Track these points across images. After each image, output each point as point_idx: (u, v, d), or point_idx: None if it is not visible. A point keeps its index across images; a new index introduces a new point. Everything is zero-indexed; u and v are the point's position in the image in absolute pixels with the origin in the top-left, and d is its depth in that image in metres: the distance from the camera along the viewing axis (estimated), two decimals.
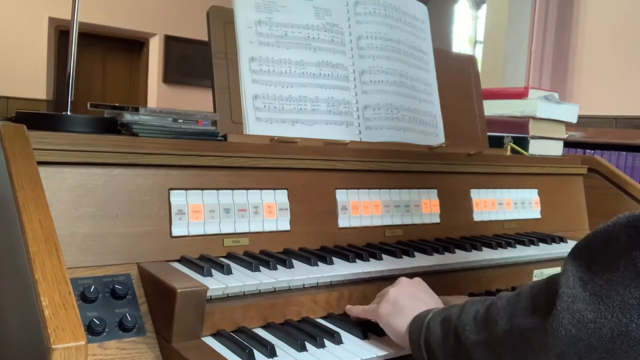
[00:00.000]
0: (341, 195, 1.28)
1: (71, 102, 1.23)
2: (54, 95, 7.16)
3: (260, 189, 1.17)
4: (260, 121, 1.29)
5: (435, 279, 1.19)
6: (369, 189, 1.33)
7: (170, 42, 7.88)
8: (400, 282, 1.02)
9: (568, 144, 3.22)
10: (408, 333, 0.91)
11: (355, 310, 1.04)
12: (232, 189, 1.14)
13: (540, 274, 1.43)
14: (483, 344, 0.78)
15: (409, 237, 1.37)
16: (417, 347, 0.89)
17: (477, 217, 1.54)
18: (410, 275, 1.18)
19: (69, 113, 1.18)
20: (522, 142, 1.83)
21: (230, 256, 1.09)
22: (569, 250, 0.72)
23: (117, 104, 1.15)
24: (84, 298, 0.89)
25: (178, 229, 1.06)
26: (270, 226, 1.17)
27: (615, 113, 4.60)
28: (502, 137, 1.80)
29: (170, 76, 7.96)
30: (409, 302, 0.95)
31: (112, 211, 0.99)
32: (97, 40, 7.39)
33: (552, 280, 0.72)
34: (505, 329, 0.75)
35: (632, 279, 0.62)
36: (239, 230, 1.13)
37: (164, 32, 7.82)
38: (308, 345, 0.91)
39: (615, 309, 0.62)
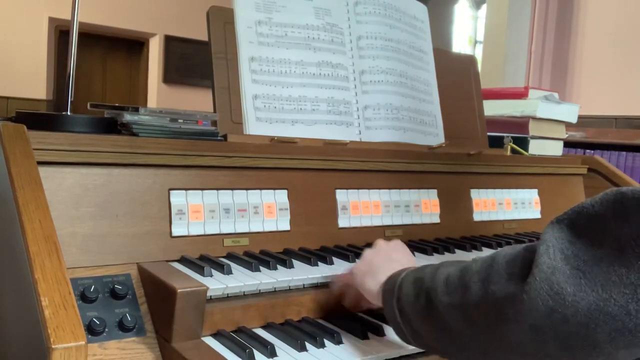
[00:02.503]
0: (341, 195, 1.28)
1: (71, 102, 1.23)
2: (54, 95, 7.16)
3: (260, 189, 1.17)
4: (260, 121, 1.29)
5: None
6: (369, 189, 1.33)
7: (170, 42, 7.88)
8: (377, 244, 1.02)
9: (568, 144, 3.22)
10: (382, 293, 0.90)
11: (337, 282, 1.03)
12: (232, 189, 1.14)
13: None
14: (455, 308, 0.76)
15: (409, 237, 1.37)
16: (390, 308, 0.87)
17: (477, 217, 1.54)
18: None
19: (69, 113, 1.18)
20: (522, 142, 1.83)
21: (230, 256, 1.09)
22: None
23: (117, 104, 1.15)
24: (84, 298, 0.89)
25: (178, 229, 1.06)
26: (270, 226, 1.17)
27: (615, 113, 4.60)
28: (502, 137, 1.80)
29: (170, 76, 7.96)
30: (384, 262, 0.95)
31: (112, 211, 0.99)
32: (97, 40, 7.38)
33: (530, 248, 0.70)
34: (479, 294, 0.73)
35: (616, 256, 0.61)
36: (239, 230, 1.13)
37: (164, 32, 7.81)
38: (308, 345, 0.91)
39: (597, 285, 0.62)
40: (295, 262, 1.09)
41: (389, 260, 0.96)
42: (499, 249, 0.79)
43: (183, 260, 1.04)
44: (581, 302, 0.62)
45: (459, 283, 0.77)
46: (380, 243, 1.02)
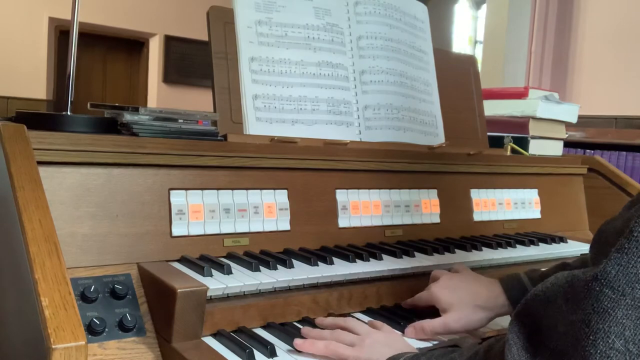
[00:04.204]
0: (341, 195, 1.28)
1: (71, 102, 1.23)
2: (54, 95, 7.16)
3: (260, 189, 1.17)
4: (260, 121, 1.29)
5: None
6: (369, 189, 1.33)
7: (170, 42, 7.88)
8: (371, 332, 0.94)
9: (568, 144, 3.22)
10: None
11: (317, 347, 0.89)
12: (232, 189, 1.14)
13: None
14: None
15: (409, 237, 1.37)
16: None
17: (477, 217, 1.54)
18: (410, 275, 1.19)
19: (69, 113, 1.18)
20: (522, 142, 1.83)
21: (231, 256, 1.09)
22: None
23: (117, 104, 1.15)
24: (84, 298, 0.89)
25: (178, 229, 1.06)
26: (270, 226, 1.17)
27: (615, 113, 4.60)
28: (502, 137, 1.80)
29: (170, 76, 7.96)
30: (381, 349, 0.89)
31: (112, 211, 0.99)
32: (97, 40, 7.38)
33: (502, 343, 0.66)
34: None
35: (574, 346, 0.57)
36: (239, 230, 1.13)
37: (164, 32, 7.81)
38: None
39: None
40: (295, 262, 1.09)
41: (386, 346, 0.89)
42: (483, 342, 0.75)
43: (183, 260, 1.04)
44: None
45: None
46: (381, 332, 0.94)
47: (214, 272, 0.98)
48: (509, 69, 5.33)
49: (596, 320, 0.55)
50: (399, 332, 1.00)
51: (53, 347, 0.66)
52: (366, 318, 1.08)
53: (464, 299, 1.05)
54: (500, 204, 1.61)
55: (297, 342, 0.90)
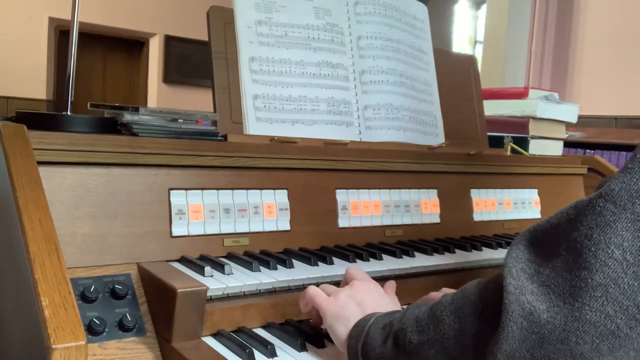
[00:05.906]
0: (341, 195, 1.28)
1: (71, 102, 1.23)
2: (54, 95, 7.16)
3: (260, 189, 1.17)
4: (260, 121, 1.29)
5: (435, 279, 1.19)
6: (369, 189, 1.33)
7: (170, 42, 7.88)
8: (354, 285, 0.92)
9: (568, 144, 3.22)
10: (348, 338, 0.83)
11: (306, 301, 0.93)
12: (232, 189, 1.14)
13: None
14: (428, 344, 0.71)
15: (409, 237, 1.37)
16: (354, 354, 0.81)
17: (477, 217, 1.54)
18: (411, 275, 1.19)
19: (69, 113, 1.18)
20: (522, 142, 1.83)
21: (230, 256, 1.10)
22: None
23: (117, 104, 1.15)
24: (84, 298, 0.89)
25: (178, 229, 1.06)
26: (270, 226, 1.17)
27: (615, 113, 4.60)
28: (502, 137, 1.80)
29: (170, 76, 7.96)
30: (358, 308, 0.87)
31: (112, 211, 0.99)
32: (97, 40, 7.39)
33: (500, 274, 0.67)
34: (455, 327, 0.69)
35: (575, 261, 0.59)
36: (239, 230, 1.13)
37: (164, 32, 7.81)
38: (308, 345, 0.91)
39: (566, 295, 0.58)
40: (295, 262, 1.09)
41: (362, 306, 0.87)
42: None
43: (183, 260, 1.04)
44: (557, 317, 0.58)
45: (430, 319, 0.73)
46: (357, 285, 0.92)
47: (214, 272, 0.98)
48: (509, 69, 5.33)
49: (598, 233, 0.58)
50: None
51: (53, 347, 0.66)
52: None
53: None
54: (500, 204, 1.61)
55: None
